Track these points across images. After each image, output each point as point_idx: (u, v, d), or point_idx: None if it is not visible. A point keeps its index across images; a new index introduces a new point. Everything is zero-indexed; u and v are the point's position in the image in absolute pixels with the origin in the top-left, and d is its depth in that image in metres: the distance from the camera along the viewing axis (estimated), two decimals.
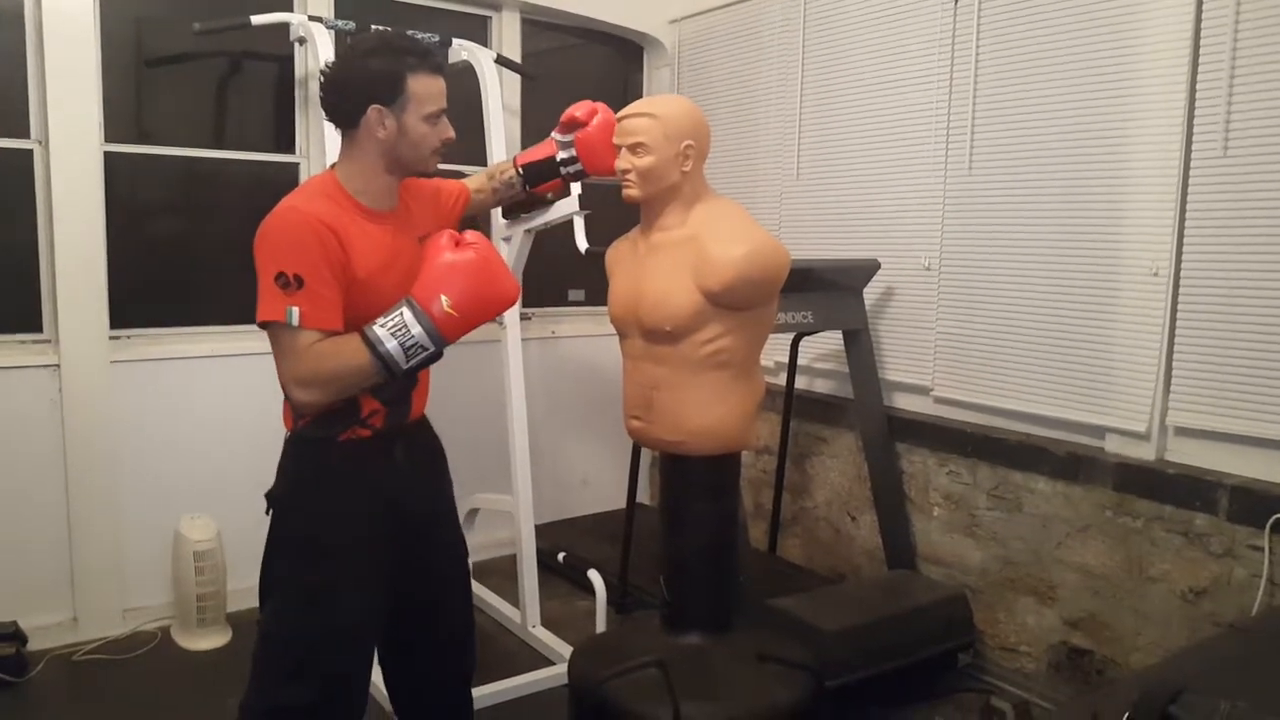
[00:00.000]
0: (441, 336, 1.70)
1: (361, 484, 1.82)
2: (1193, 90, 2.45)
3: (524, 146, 3.85)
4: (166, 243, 3.34)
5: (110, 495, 3.09)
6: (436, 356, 1.73)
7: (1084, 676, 2.71)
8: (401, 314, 1.69)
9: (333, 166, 1.85)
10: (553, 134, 2.16)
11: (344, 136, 1.80)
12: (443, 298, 1.69)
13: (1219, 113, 2.39)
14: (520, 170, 2.17)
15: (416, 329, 1.68)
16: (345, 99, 1.75)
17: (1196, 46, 2.43)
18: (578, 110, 2.12)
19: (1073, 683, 2.73)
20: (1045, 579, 2.80)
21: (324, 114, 1.83)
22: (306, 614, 1.79)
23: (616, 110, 2.12)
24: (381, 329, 1.68)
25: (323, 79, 1.79)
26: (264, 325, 1.69)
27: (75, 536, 3.05)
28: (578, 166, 2.15)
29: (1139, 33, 2.54)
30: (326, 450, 1.79)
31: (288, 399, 1.76)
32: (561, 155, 2.14)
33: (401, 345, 1.67)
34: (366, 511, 1.83)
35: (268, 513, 1.85)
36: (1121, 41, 2.58)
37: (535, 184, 2.21)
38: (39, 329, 3.04)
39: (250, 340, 3.32)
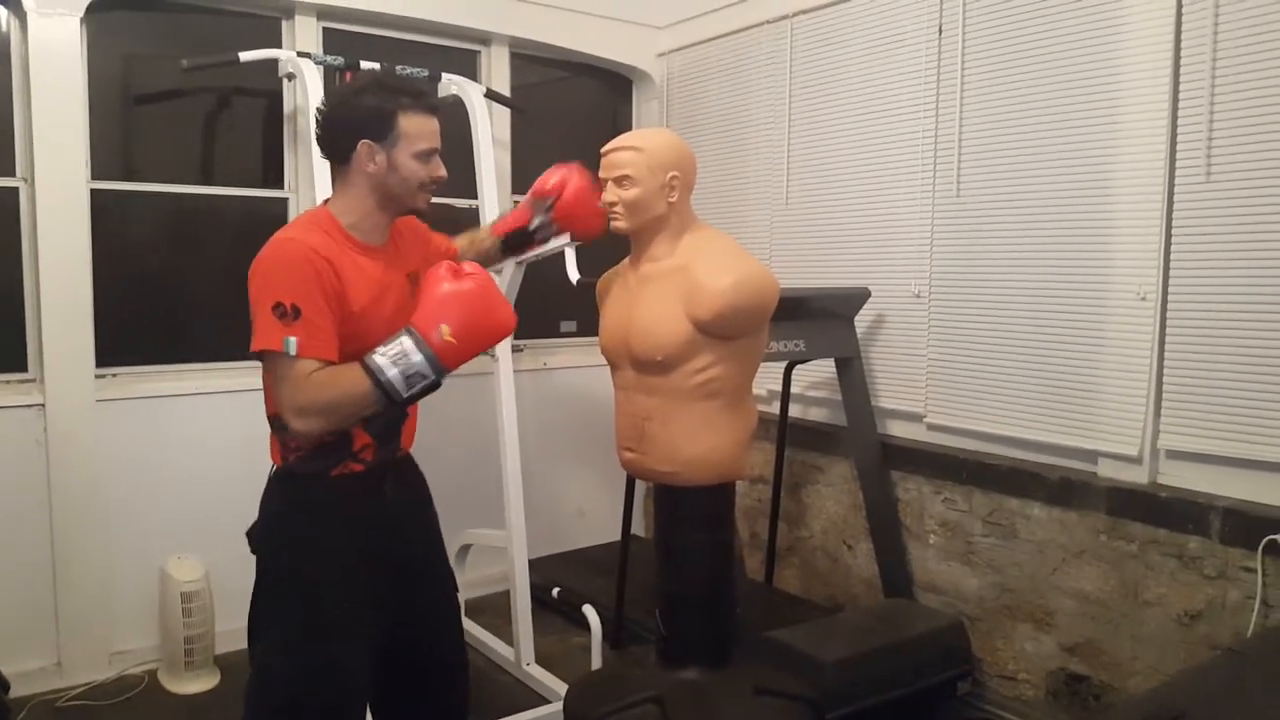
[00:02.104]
0: (441, 365, 1.69)
1: (352, 519, 1.81)
2: (1175, 117, 2.48)
3: (514, 179, 3.89)
4: (153, 280, 3.32)
5: (96, 536, 3.05)
6: (435, 386, 1.72)
7: (1082, 703, 2.69)
8: (401, 342, 1.68)
9: (326, 202, 1.86)
10: (524, 201, 2.18)
11: (337, 172, 1.82)
12: (443, 327, 1.68)
13: (1200, 139, 2.42)
14: (502, 239, 2.21)
15: (417, 357, 1.67)
16: (337, 134, 1.78)
17: (1176, 75, 2.47)
18: (549, 181, 2.14)
19: (1071, 710, 2.71)
20: (1042, 605, 2.78)
21: (319, 149, 1.85)
22: (298, 651, 1.78)
23: (604, 144, 2.14)
24: (382, 357, 1.67)
25: (318, 115, 1.82)
26: (259, 355, 1.68)
27: (60, 578, 3.00)
28: (551, 230, 2.20)
29: (1121, 61, 2.58)
30: (318, 486, 1.79)
31: (284, 429, 1.74)
32: (535, 223, 2.17)
33: (402, 373, 1.66)
34: (357, 547, 1.82)
35: (254, 551, 1.83)
36: (1104, 69, 2.61)
37: (514, 252, 2.27)
38: (24, 368, 3.01)
39: (238, 377, 3.31)
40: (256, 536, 1.83)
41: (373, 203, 1.80)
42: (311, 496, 1.80)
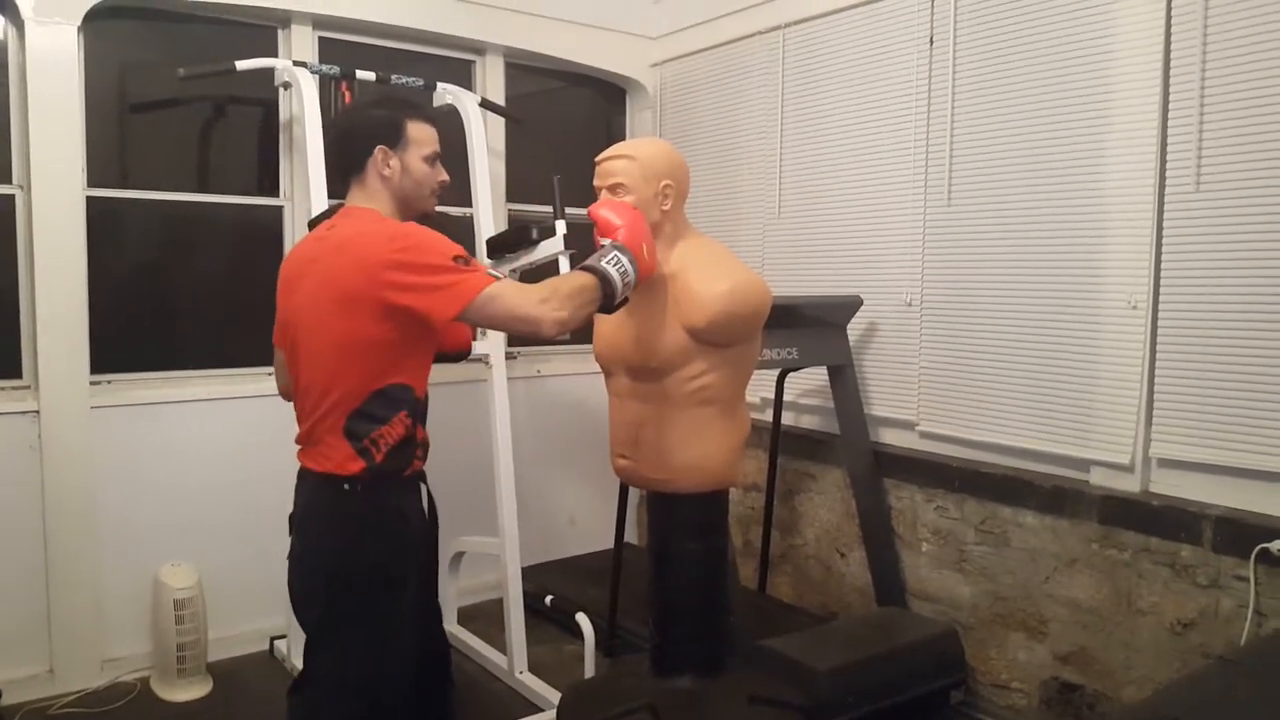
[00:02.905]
0: (640, 279, 1.90)
1: (420, 515, 1.91)
2: (1164, 127, 2.50)
3: (508, 188, 3.90)
4: (148, 287, 3.32)
5: (89, 543, 3.04)
6: (626, 301, 1.90)
7: (1076, 712, 2.69)
8: (618, 254, 1.87)
9: (349, 208, 1.92)
10: None
11: (354, 185, 1.92)
12: (645, 245, 1.92)
13: (1190, 149, 2.44)
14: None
15: (628, 266, 1.87)
16: (353, 143, 1.91)
17: (1166, 85, 2.49)
18: None
19: (1065, 718, 2.71)
20: (1035, 613, 2.79)
21: (333, 165, 2.00)
22: (381, 650, 1.83)
23: (597, 153, 2.15)
24: (603, 264, 1.84)
25: (330, 131, 1.96)
26: (464, 311, 1.72)
27: (53, 585, 2.99)
28: None
29: (1111, 71, 2.60)
30: (397, 485, 1.86)
31: (368, 430, 1.79)
32: None
33: (620, 280, 1.84)
34: (422, 542, 1.94)
35: (320, 563, 1.85)
36: (1095, 79, 2.63)
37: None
38: (18, 375, 3.01)
39: (232, 385, 3.31)
40: (328, 544, 1.84)
41: (393, 208, 1.91)
42: (394, 495, 1.85)
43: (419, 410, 1.88)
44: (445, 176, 1.97)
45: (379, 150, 1.87)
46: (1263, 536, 2.29)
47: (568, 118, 4.26)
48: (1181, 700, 1.78)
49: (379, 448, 1.80)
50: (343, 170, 1.93)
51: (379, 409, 1.80)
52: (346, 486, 1.81)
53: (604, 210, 1.97)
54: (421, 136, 1.91)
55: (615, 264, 1.84)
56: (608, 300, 1.83)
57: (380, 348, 1.78)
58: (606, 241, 1.91)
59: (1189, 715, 1.64)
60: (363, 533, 1.82)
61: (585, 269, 1.84)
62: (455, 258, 1.74)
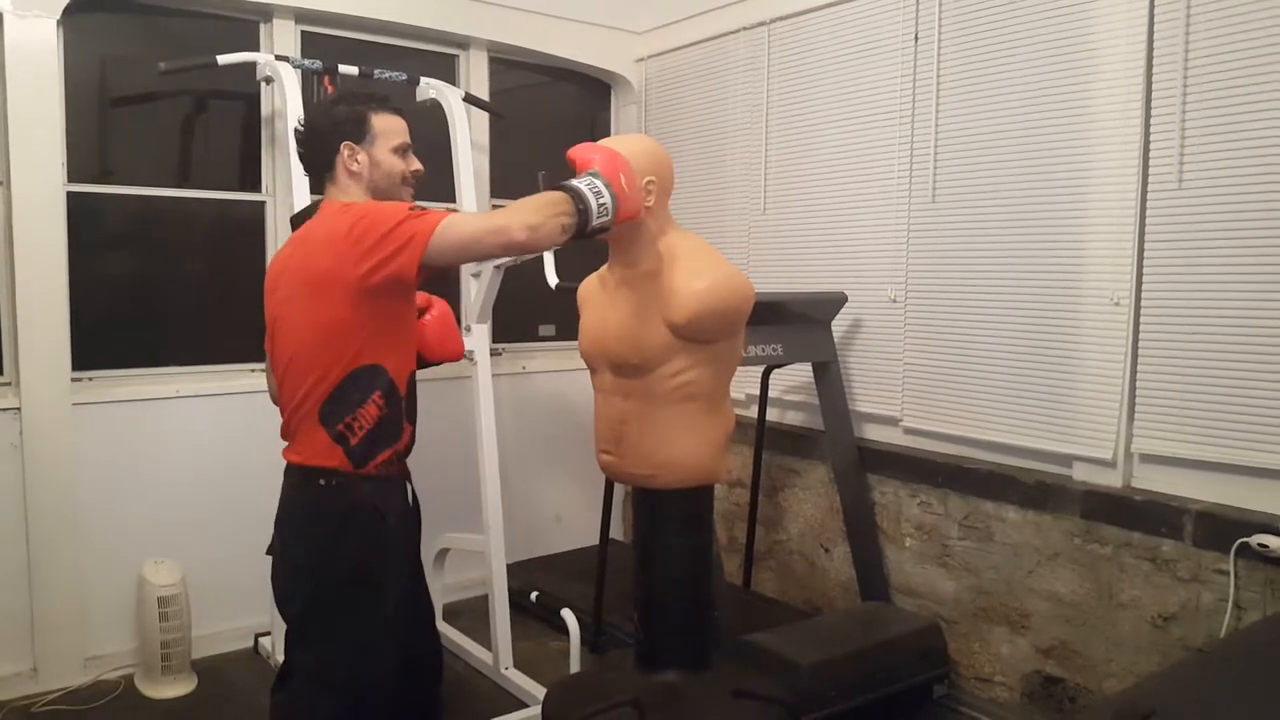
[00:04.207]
0: (620, 210, 1.79)
1: (401, 513, 1.91)
2: (1147, 125, 2.51)
3: (493, 183, 3.89)
4: (130, 283, 3.30)
5: (72, 540, 3.02)
6: (606, 230, 1.82)
7: (1058, 705, 2.71)
8: (592, 178, 1.77)
9: (327, 203, 1.91)
10: None
11: (328, 183, 1.92)
12: (622, 176, 1.81)
13: (1173, 147, 2.46)
14: None
15: (601, 185, 1.76)
16: (319, 141, 1.90)
17: (1149, 83, 2.50)
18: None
19: (1047, 711, 2.74)
20: (1018, 608, 2.81)
21: (303, 166, 1.97)
22: (361, 648, 1.83)
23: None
24: (571, 181, 1.77)
25: (298, 133, 1.94)
26: (427, 251, 1.70)
27: (35, 583, 2.97)
28: None
29: (1095, 69, 2.61)
30: (374, 483, 1.85)
31: (343, 414, 1.79)
32: None
33: (594, 197, 1.74)
34: (406, 538, 1.94)
35: (299, 560, 1.85)
36: (1078, 77, 2.65)
37: None
38: None
39: (215, 381, 3.29)
40: (306, 541, 1.84)
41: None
42: (369, 495, 1.84)
43: (395, 392, 1.85)
44: (418, 166, 1.97)
45: (345, 146, 1.88)
46: (1243, 531, 2.31)
47: (552, 113, 4.25)
48: (1161, 692, 1.80)
49: (354, 432, 1.80)
50: (314, 169, 1.94)
51: (352, 391, 1.80)
52: (323, 482, 1.81)
53: (581, 149, 1.92)
54: (387, 128, 1.91)
55: (589, 185, 1.75)
56: (582, 219, 1.73)
57: (350, 329, 1.77)
58: (589, 172, 1.83)
59: (1168, 707, 1.65)
60: (339, 531, 1.81)
61: (554, 188, 1.76)
62: (411, 209, 1.74)
